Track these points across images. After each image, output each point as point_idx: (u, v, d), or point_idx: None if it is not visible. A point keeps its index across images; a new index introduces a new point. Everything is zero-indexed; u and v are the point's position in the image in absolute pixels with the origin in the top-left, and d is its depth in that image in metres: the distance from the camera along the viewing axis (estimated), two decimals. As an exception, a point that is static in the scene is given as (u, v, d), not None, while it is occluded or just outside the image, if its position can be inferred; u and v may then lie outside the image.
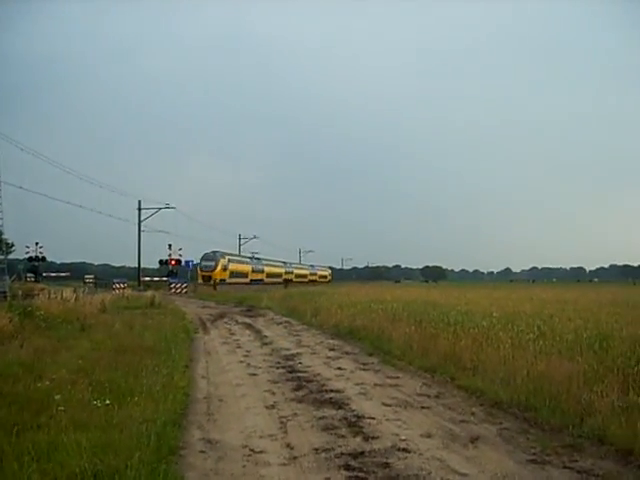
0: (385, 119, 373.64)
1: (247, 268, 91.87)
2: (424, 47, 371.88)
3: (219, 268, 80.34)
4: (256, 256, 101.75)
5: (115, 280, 61.45)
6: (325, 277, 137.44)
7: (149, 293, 44.46)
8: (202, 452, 7.78)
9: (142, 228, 70.18)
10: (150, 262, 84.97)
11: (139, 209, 70.32)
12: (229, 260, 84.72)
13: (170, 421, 8.51)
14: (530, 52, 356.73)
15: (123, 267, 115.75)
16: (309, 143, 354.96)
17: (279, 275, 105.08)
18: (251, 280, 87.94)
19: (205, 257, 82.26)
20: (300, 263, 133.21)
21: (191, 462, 7.37)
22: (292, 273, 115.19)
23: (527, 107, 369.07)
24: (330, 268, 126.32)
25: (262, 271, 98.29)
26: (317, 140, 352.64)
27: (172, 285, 64.94)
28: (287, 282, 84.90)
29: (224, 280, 78.32)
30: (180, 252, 72.65)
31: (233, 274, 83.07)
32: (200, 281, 77.51)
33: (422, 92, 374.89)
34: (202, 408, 10.36)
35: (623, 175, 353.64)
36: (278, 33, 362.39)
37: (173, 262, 72.00)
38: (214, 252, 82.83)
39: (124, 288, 54.91)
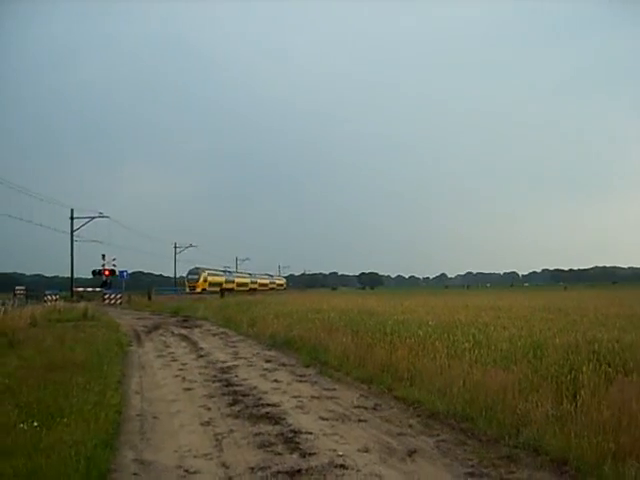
0: (322, 127, 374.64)
1: (222, 279, 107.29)
2: (358, 56, 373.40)
3: (201, 280, 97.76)
4: (228, 270, 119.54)
5: (47, 291, 59.91)
6: (282, 285, 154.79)
7: (82, 304, 43.45)
8: (135, 475, 7.53)
9: (75, 238, 68.73)
10: (83, 272, 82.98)
11: (72, 218, 68.72)
12: (208, 274, 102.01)
13: (101, 442, 8.22)
14: (486, 64, 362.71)
15: (56, 277, 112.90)
16: (245, 152, 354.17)
17: (246, 284, 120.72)
18: (224, 289, 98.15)
19: (191, 272, 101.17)
20: (262, 273, 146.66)
21: (123, 486, 7.14)
22: (256, 282, 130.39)
23: (460, 109, 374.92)
24: (249, 275, 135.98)
25: (233, 281, 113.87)
26: (253, 149, 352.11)
27: (106, 296, 63.57)
28: (223, 291, 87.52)
29: (205, 289, 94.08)
30: (114, 262, 71.06)
31: (211, 284, 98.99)
32: (187, 290, 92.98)
33: (358, 99, 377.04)
34: (135, 427, 10.07)
35: (556, 182, 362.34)
36: (217, 41, 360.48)
37: (107, 272, 70.29)
38: (197, 268, 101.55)
39: (56, 300, 53.58)
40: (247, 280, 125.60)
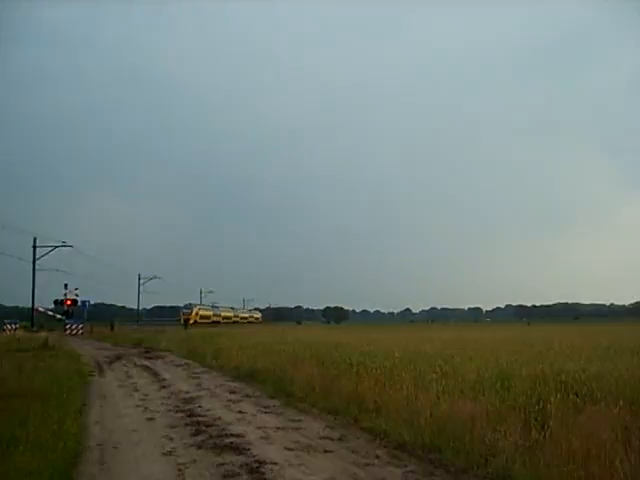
0: (289, 160, 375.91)
1: (210, 313, 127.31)
2: (325, 81, 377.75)
3: (194, 313, 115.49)
4: (215, 305, 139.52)
5: (6, 321, 59.01)
6: (258, 319, 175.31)
7: (43, 334, 42.79)
8: (93, 505, 7.26)
9: (37, 267, 67.78)
10: (45, 302, 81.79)
11: (34, 247, 67.91)
12: (199, 309, 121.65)
13: (58, 472, 7.95)
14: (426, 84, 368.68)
15: (16, 307, 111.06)
16: (214, 184, 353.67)
17: (230, 318, 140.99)
18: (212, 321, 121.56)
19: (185, 307, 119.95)
20: (241, 308, 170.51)
21: (80, 518, 6.86)
22: (238, 316, 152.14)
23: (424, 148, 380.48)
24: (232, 309, 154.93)
25: (219, 315, 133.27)
26: (219, 180, 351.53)
27: (68, 326, 62.78)
28: (187, 322, 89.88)
29: (196, 321, 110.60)
30: (76, 292, 70.15)
31: (202, 317, 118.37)
32: (182, 322, 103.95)
33: (327, 129, 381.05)
34: (95, 457, 9.75)
35: (520, 220, 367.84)
36: (183, 69, 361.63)
37: (69, 302, 69.27)
38: (190, 304, 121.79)
39: (16, 329, 52.76)
40: (230, 314, 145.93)
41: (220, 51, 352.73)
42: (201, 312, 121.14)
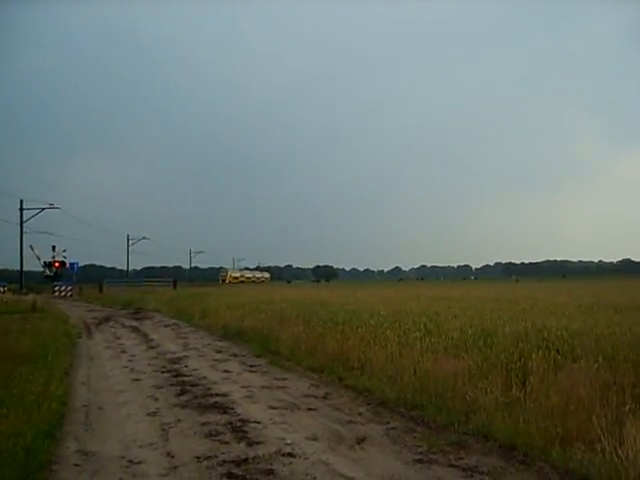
0: (276, 122, 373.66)
1: (238, 275, 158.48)
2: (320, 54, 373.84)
3: (228, 275, 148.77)
4: (240, 269, 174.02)
5: (-6, 284, 58.92)
6: (267, 278, 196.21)
7: (31, 296, 42.74)
8: (77, 465, 7.29)
9: (24, 229, 67.31)
10: (33, 265, 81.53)
11: (21, 209, 67.25)
12: (231, 272, 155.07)
13: (42, 433, 7.97)
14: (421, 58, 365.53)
15: (5, 270, 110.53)
16: (202, 144, 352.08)
17: (249, 278, 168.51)
18: (240, 281, 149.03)
19: (221, 270, 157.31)
20: (256, 269, 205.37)
21: (63, 477, 6.90)
22: (254, 276, 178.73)
23: (420, 110, 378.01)
24: (251, 270, 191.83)
25: (244, 276, 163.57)
26: (209, 140, 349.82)
27: (56, 288, 62.56)
28: (175, 283, 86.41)
29: (230, 281, 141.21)
30: (64, 254, 69.90)
31: (233, 278, 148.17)
32: (220, 282, 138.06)
33: (318, 96, 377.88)
34: (80, 417, 9.82)
35: (508, 179, 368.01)
36: (174, 32, 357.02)
37: (57, 264, 69.01)
38: (225, 268, 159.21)
39: (4, 292, 52.66)
40: (250, 275, 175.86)
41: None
42: (232, 274, 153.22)
